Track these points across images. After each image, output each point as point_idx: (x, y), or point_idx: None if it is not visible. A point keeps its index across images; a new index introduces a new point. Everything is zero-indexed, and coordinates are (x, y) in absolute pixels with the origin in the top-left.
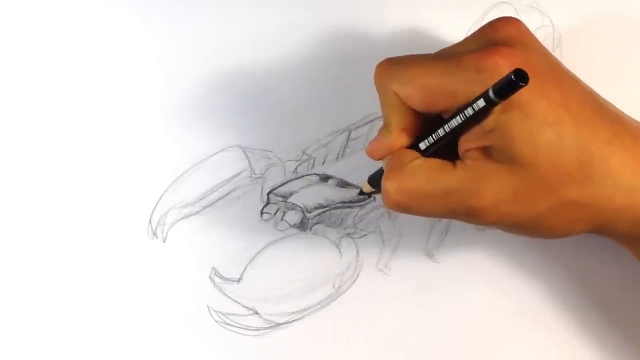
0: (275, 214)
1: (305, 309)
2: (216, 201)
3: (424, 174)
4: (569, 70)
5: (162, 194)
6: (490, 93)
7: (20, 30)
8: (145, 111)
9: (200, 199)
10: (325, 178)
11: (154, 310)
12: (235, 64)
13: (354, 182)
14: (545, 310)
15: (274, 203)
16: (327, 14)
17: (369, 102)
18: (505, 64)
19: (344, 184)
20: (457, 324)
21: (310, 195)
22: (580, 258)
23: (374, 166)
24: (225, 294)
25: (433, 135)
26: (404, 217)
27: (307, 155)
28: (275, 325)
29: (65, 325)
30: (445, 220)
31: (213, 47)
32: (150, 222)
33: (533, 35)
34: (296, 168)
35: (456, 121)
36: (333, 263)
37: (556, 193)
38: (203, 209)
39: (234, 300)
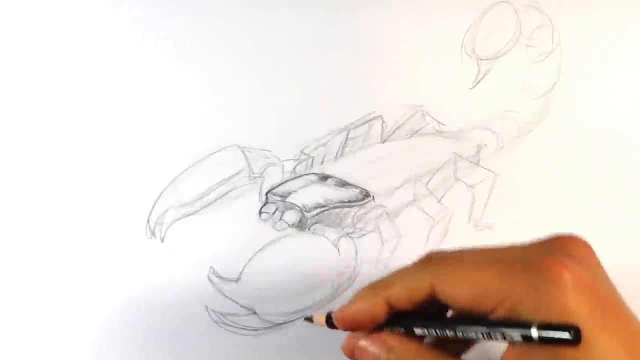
0: (273, 213)
1: (304, 309)
2: (214, 201)
3: None
4: (623, 298)
5: (161, 194)
6: (534, 333)
7: (20, 30)
8: (143, 110)
9: (198, 199)
10: (324, 177)
11: (153, 310)
12: (234, 64)
13: (352, 182)
14: None
15: (273, 202)
16: (326, 13)
17: (367, 102)
18: (570, 279)
19: (342, 184)
20: None
21: (309, 194)
22: None
23: (373, 165)
24: (223, 294)
25: (437, 330)
26: (403, 217)
27: (306, 154)
28: (274, 325)
29: (64, 323)
30: (444, 220)
31: (212, 46)
32: (148, 221)
33: (599, 260)
34: (295, 167)
35: (474, 334)
36: (332, 263)
37: None
38: (201, 209)
39: (232, 300)
